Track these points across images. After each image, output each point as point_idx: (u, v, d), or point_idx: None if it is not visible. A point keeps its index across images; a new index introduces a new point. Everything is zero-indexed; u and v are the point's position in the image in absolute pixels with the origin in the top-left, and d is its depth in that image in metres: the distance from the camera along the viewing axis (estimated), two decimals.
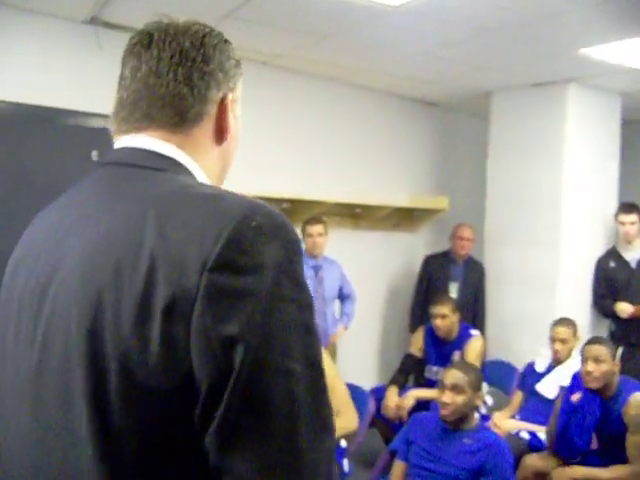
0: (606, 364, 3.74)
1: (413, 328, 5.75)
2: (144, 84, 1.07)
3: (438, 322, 4.95)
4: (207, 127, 1.09)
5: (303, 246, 5.14)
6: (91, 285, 0.91)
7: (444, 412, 3.33)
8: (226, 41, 1.14)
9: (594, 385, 3.74)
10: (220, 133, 1.11)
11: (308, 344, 0.89)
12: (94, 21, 4.44)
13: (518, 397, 4.76)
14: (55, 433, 0.93)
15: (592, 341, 3.99)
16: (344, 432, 3.67)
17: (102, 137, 4.46)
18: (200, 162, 1.09)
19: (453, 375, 3.38)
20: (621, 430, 3.68)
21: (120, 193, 1.00)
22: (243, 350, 0.83)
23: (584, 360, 3.82)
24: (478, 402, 3.42)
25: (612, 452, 3.79)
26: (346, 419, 3.71)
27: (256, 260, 0.86)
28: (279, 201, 5.34)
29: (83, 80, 4.45)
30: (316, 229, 5.14)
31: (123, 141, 1.08)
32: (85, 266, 0.93)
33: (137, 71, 1.08)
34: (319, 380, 0.90)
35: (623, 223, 5.48)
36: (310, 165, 5.69)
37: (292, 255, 0.91)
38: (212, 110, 1.09)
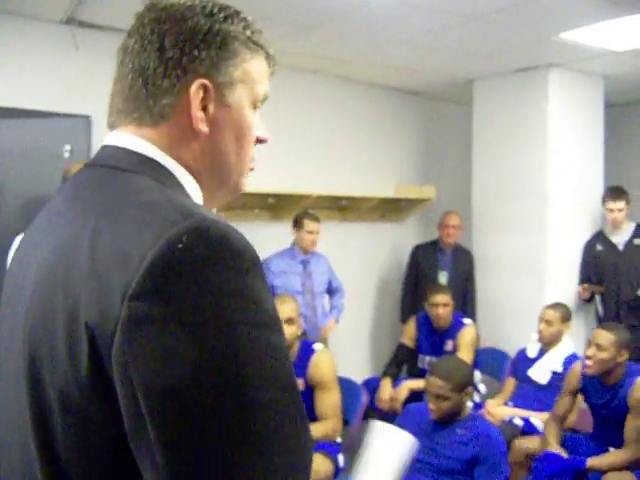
0: (607, 352, 3.64)
1: (404, 318, 5.75)
2: (118, 76, 1.02)
3: (440, 311, 4.94)
4: (181, 119, 0.98)
5: (290, 241, 5.12)
6: (34, 305, 0.88)
7: (431, 415, 3.33)
8: (213, 13, 1.00)
9: (589, 371, 3.71)
10: (192, 124, 0.99)
11: (274, 366, 0.80)
12: (70, 21, 4.38)
13: (510, 384, 4.76)
14: (16, 450, 0.91)
15: (603, 326, 3.93)
16: (324, 438, 3.67)
17: (79, 137, 4.44)
18: (181, 159, 0.99)
19: (434, 385, 3.30)
20: (625, 414, 3.63)
21: (77, 199, 0.95)
22: (168, 399, 0.74)
23: (589, 343, 3.79)
24: (466, 400, 3.38)
25: (607, 436, 3.80)
26: (330, 426, 3.71)
27: (185, 286, 0.77)
28: (264, 196, 5.32)
29: (61, 81, 4.40)
30: (316, 227, 5.08)
31: (108, 138, 1.02)
32: (35, 284, 0.90)
33: (122, 65, 1.02)
34: (292, 401, 0.81)
35: (611, 210, 5.46)
36: (294, 158, 5.67)
37: (238, 272, 0.80)
38: (181, 100, 0.98)
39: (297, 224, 5.09)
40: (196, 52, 0.98)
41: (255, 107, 1.08)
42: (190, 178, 1.00)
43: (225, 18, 1.01)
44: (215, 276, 0.78)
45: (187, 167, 1.00)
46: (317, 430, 3.66)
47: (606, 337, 3.69)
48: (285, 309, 3.72)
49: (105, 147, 1.01)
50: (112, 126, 1.03)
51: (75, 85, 4.43)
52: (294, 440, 0.80)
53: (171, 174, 0.98)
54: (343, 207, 6.07)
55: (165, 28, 0.98)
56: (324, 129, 5.93)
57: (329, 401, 3.73)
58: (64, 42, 4.41)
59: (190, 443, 0.74)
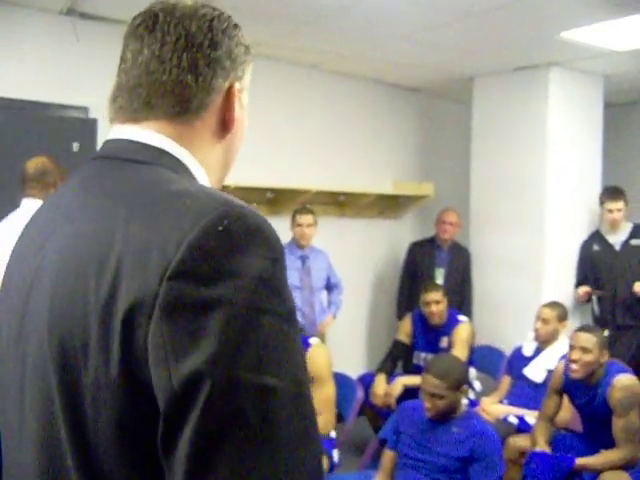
0: (592, 355, 3.65)
1: (400, 315, 5.75)
2: (145, 69, 0.99)
3: (433, 309, 4.94)
4: (210, 119, 1.02)
5: (290, 236, 5.13)
6: (60, 293, 0.88)
7: (427, 413, 3.33)
8: (236, 26, 1.07)
9: (575, 375, 3.69)
10: (225, 125, 1.04)
11: (290, 358, 0.82)
12: (71, 12, 4.37)
13: (506, 381, 4.76)
14: (41, 439, 0.90)
15: (582, 329, 3.90)
16: None
17: (81, 129, 4.43)
18: (199, 155, 1.01)
19: (430, 383, 3.29)
20: (606, 414, 3.65)
21: (97, 190, 0.95)
22: (208, 371, 0.76)
23: (571, 347, 3.75)
24: (461, 398, 3.38)
25: (597, 436, 3.81)
26: (322, 421, 3.71)
27: (223, 268, 0.79)
28: (263, 191, 5.32)
29: (61, 72, 4.39)
30: (306, 219, 5.10)
31: (117, 131, 1.01)
32: (57, 272, 0.90)
33: (139, 55, 1.00)
34: (304, 394, 0.83)
35: (610, 210, 5.44)
36: (293, 154, 5.66)
37: (270, 262, 0.82)
38: (217, 100, 1.02)
39: (292, 219, 5.14)
40: (234, 55, 1.05)
41: None
42: (204, 175, 1.03)
43: (235, 27, 1.08)
44: (250, 262, 0.80)
45: (203, 163, 1.03)
46: None
47: (589, 339, 3.67)
48: None
49: (118, 140, 1.01)
50: (133, 119, 1.01)
51: (76, 77, 4.42)
52: (305, 432, 0.81)
53: (187, 169, 0.99)
54: (341, 203, 6.06)
55: (206, 31, 1.01)
56: (323, 124, 5.93)
57: (323, 396, 3.73)
58: (65, 33, 4.40)
59: (214, 421, 0.76)
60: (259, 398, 0.77)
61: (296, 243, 5.15)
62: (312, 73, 5.81)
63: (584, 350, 3.65)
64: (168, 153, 0.98)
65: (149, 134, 0.98)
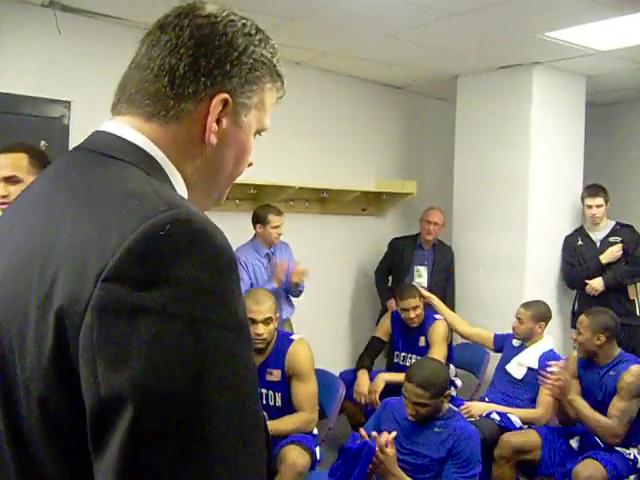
0: (583, 335, 3.97)
1: (385, 300, 5.80)
2: (136, 65, 1.01)
3: (412, 315, 4.95)
4: (192, 127, 0.99)
5: (257, 240, 5.10)
6: (6, 283, 0.87)
7: (409, 417, 3.32)
8: (251, 34, 1.04)
9: (579, 352, 4.09)
10: (203, 134, 1.00)
11: (234, 371, 0.78)
12: (53, 5, 4.33)
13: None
14: None
15: (584, 312, 4.23)
16: (297, 430, 3.68)
17: (50, 127, 4.38)
18: (179, 162, 1.00)
19: (413, 393, 3.27)
20: (610, 395, 3.87)
21: (62, 183, 0.94)
22: (131, 380, 0.73)
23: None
24: (445, 401, 3.37)
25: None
26: (304, 417, 3.72)
27: (160, 275, 0.76)
28: (246, 187, 5.29)
29: (43, 65, 4.35)
30: (281, 220, 5.06)
31: (105, 123, 1.01)
32: (9, 264, 0.89)
33: (140, 50, 1.02)
34: (247, 410, 0.79)
35: (590, 206, 5.54)
36: (276, 150, 5.63)
37: (215, 270, 0.79)
38: (198, 108, 0.99)
39: (261, 220, 5.03)
40: (228, 67, 1.00)
41: (257, 135, 1.10)
42: (181, 180, 1.01)
43: (260, 41, 1.06)
44: (192, 269, 0.77)
45: (181, 171, 1.01)
46: (289, 422, 3.68)
47: (582, 321, 4.04)
48: (263, 310, 3.70)
49: (99, 132, 1.00)
50: (118, 112, 1.02)
51: (57, 70, 4.38)
52: (245, 448, 0.78)
53: (162, 171, 0.98)
54: (324, 199, 6.05)
55: (204, 36, 1.00)
56: (306, 121, 5.92)
57: (305, 392, 3.73)
58: (46, 26, 4.36)
59: (142, 435, 0.73)
60: (192, 415, 0.74)
61: (265, 242, 5.09)
62: (295, 70, 5.79)
63: (578, 330, 4.04)
64: (144, 151, 0.97)
65: (127, 130, 0.98)
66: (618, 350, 4.06)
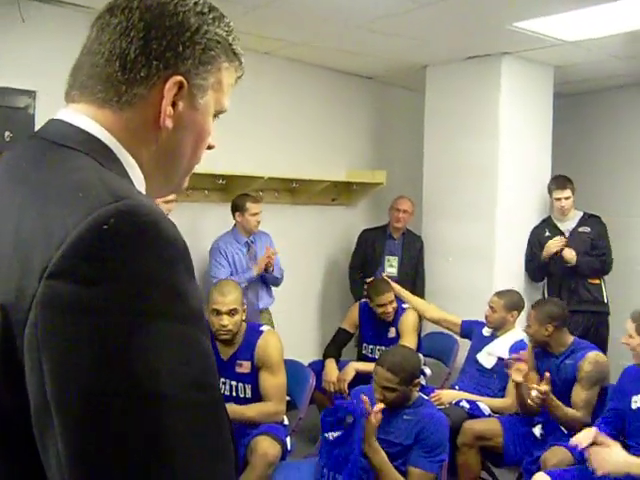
0: (532, 327, 4.08)
1: (358, 298, 5.78)
2: (89, 50, 0.98)
3: (389, 309, 4.95)
4: (143, 110, 0.96)
5: (237, 229, 5.10)
6: None
7: (377, 403, 3.29)
8: (203, 12, 1.00)
9: (531, 343, 4.20)
10: (158, 119, 0.97)
11: (189, 363, 0.77)
12: None
13: None
14: None
15: (534, 303, 4.38)
16: (261, 417, 3.69)
17: (23, 115, 4.31)
18: (133, 149, 0.96)
19: (383, 377, 3.28)
20: (567, 384, 3.92)
21: (11, 173, 0.91)
22: (76, 378, 0.71)
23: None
24: (414, 390, 3.36)
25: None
26: (270, 407, 3.72)
27: (104, 270, 0.73)
28: (215, 177, 5.26)
29: (6, 54, 4.26)
30: (259, 208, 5.10)
31: (60, 111, 0.98)
32: None
33: (89, 36, 0.99)
34: (207, 402, 0.78)
35: (559, 199, 5.58)
36: (246, 140, 5.61)
37: (164, 262, 0.77)
38: (152, 92, 0.96)
39: (240, 208, 5.07)
40: (180, 49, 0.97)
41: (215, 116, 1.07)
42: (137, 168, 0.98)
43: (213, 20, 1.01)
44: (139, 263, 0.76)
45: (137, 158, 0.98)
46: (254, 409, 3.69)
47: (531, 313, 4.16)
48: (228, 301, 3.70)
49: (53, 120, 0.98)
50: (71, 99, 0.99)
51: (22, 59, 4.31)
52: (207, 443, 0.77)
53: (117, 160, 0.95)
54: (294, 190, 6.04)
55: (154, 17, 0.96)
56: (276, 111, 5.89)
57: (273, 383, 3.73)
58: (9, 14, 4.27)
59: (91, 436, 0.71)
60: (145, 411, 0.73)
61: (243, 231, 5.12)
62: (265, 60, 5.76)
63: (528, 324, 4.16)
64: (98, 140, 0.94)
65: (80, 118, 0.95)
66: (571, 338, 4.12)
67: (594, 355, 3.91)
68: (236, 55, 1.06)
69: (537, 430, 4.10)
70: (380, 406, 3.03)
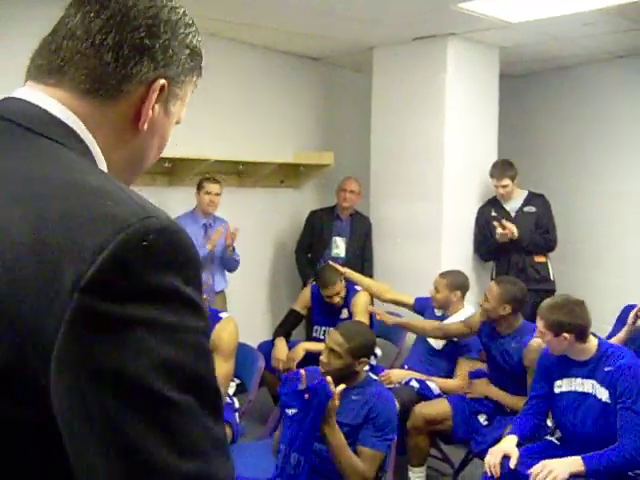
0: (489, 303, 4.06)
1: (306, 280, 5.79)
2: (72, 35, 0.92)
3: (337, 300, 4.99)
4: (125, 107, 0.94)
5: (190, 205, 5.07)
6: None
7: (320, 367, 3.30)
8: (189, 25, 1.02)
9: (482, 316, 4.21)
10: (136, 119, 0.95)
11: (209, 371, 0.80)
12: None
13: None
14: None
15: (495, 280, 4.45)
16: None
17: None
18: (105, 145, 0.93)
19: (333, 339, 3.28)
20: (515, 367, 3.99)
21: None
22: (132, 395, 0.72)
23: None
24: (360, 369, 3.33)
25: (502, 384, 4.12)
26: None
27: (146, 286, 0.74)
28: (160, 161, 5.18)
29: None
30: (214, 188, 5.15)
31: (22, 91, 0.92)
32: None
33: (70, 19, 0.93)
34: (220, 404, 0.82)
35: (496, 187, 5.66)
36: (191, 123, 5.46)
37: (190, 278, 0.78)
38: (136, 91, 0.94)
39: (198, 187, 5.16)
40: (170, 53, 0.97)
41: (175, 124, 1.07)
42: (104, 163, 0.94)
43: (195, 33, 1.04)
44: (174, 280, 0.76)
45: (106, 158, 0.94)
46: None
47: (490, 289, 4.13)
48: None
49: (17, 100, 0.91)
50: (42, 82, 0.93)
51: None
52: (216, 442, 0.79)
53: (90, 153, 0.91)
54: (241, 172, 6.00)
55: (150, 18, 0.95)
56: (222, 93, 5.81)
57: (221, 370, 3.70)
58: None
59: (130, 439, 0.72)
60: (212, 419, 0.78)
61: (200, 211, 5.18)
62: (210, 41, 5.68)
63: (485, 297, 4.13)
64: (75, 133, 0.90)
65: (55, 105, 0.90)
66: (520, 320, 4.14)
67: (533, 342, 3.83)
68: (200, 69, 1.08)
69: (482, 418, 4.15)
70: (342, 386, 3.02)
